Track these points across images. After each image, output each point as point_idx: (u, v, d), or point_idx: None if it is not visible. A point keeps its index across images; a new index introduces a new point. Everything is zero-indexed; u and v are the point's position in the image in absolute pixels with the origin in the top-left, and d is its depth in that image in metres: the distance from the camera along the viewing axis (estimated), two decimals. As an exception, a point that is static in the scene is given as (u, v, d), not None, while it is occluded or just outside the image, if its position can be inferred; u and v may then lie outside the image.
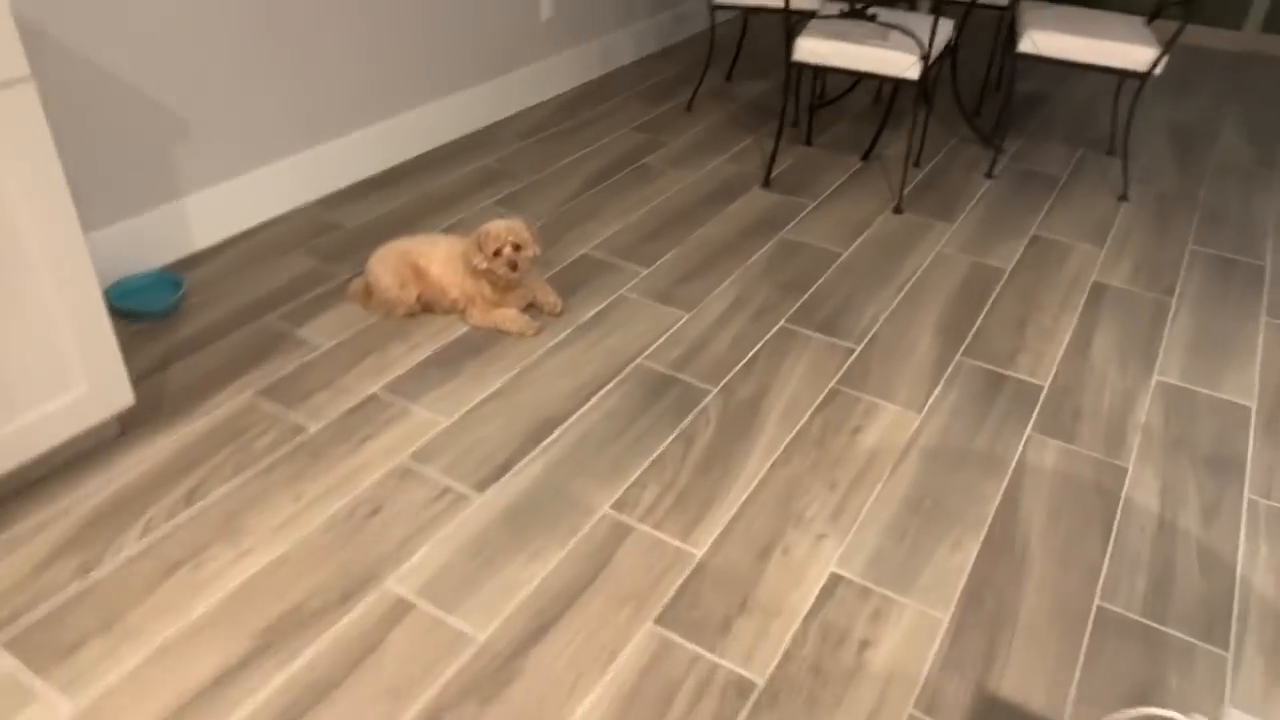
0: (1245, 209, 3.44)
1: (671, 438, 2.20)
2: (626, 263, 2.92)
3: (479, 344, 2.52)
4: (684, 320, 2.65)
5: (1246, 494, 2.12)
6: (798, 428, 2.25)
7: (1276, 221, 3.37)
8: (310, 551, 1.86)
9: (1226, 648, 1.74)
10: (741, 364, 2.47)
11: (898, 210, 3.31)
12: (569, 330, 2.59)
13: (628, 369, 2.43)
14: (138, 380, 2.32)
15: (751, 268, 2.92)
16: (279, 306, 2.63)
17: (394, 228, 3.07)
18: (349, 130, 3.28)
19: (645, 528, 1.95)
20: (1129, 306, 2.81)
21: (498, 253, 2.46)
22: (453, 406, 2.27)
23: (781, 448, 2.18)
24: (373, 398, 2.29)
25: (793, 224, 3.19)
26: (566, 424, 2.23)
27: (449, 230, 3.07)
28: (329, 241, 2.98)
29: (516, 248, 2.47)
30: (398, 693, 1.60)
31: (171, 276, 2.66)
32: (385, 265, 2.58)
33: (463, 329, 2.58)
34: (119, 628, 1.69)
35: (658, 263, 2.93)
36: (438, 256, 2.58)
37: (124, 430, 2.15)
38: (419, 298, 2.60)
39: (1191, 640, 1.76)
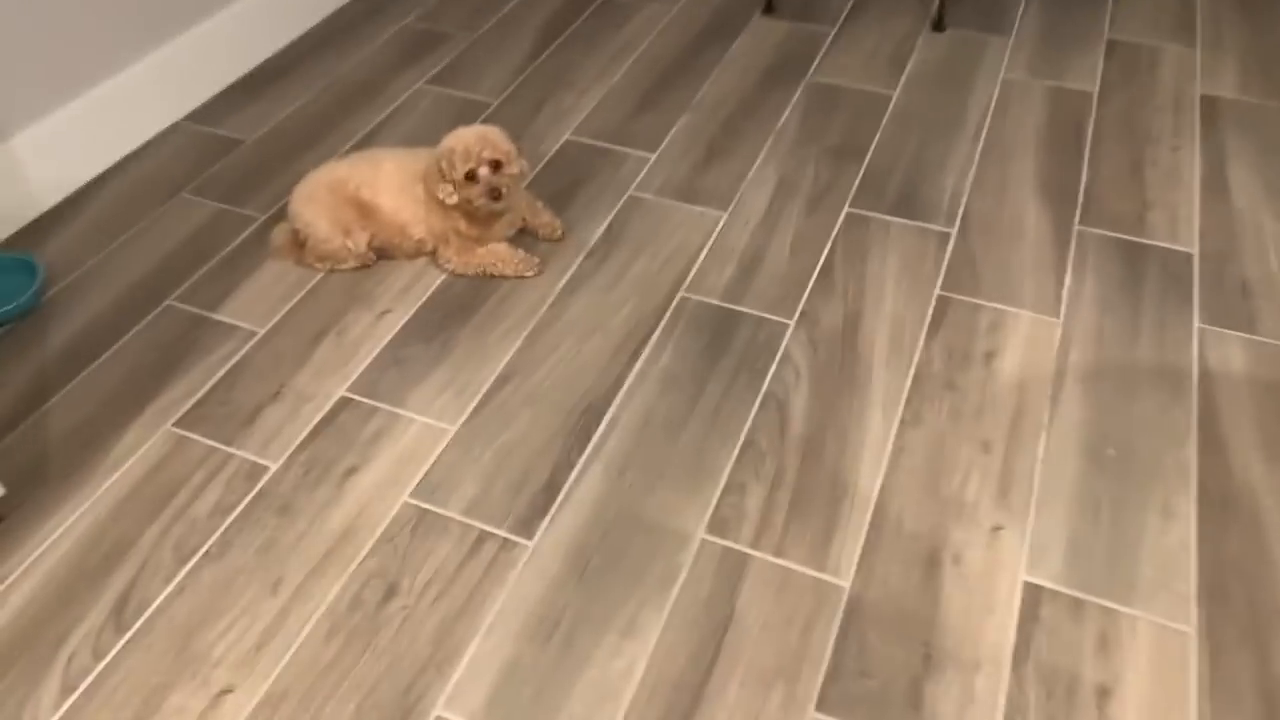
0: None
1: (756, 406, 1.65)
2: (625, 147, 2.25)
3: (467, 298, 1.88)
4: (721, 222, 2.03)
5: None
6: (915, 365, 1.71)
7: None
8: (312, 682, 1.31)
9: None
10: (814, 278, 1.89)
11: (938, 27, 2.64)
12: (579, 259, 1.96)
13: (671, 308, 1.84)
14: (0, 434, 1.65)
15: (784, 132, 2.28)
16: (180, 282, 1.93)
17: (307, 135, 2.32)
18: (213, 7, 2.43)
19: (763, 554, 1.43)
20: (1253, 124, 2.26)
21: (471, 177, 1.78)
22: (455, 403, 1.67)
23: (904, 399, 1.65)
24: (344, 404, 1.67)
25: (817, 62, 2.52)
26: (614, 408, 1.66)
27: (383, 135, 2.34)
28: (224, 171, 2.23)
29: (495, 166, 1.79)
30: None
31: (18, 257, 1.93)
32: (317, 206, 1.88)
33: (439, 277, 1.92)
34: None
35: (664, 142, 2.27)
36: (386, 184, 1.88)
37: (1, 517, 1.52)
38: (370, 242, 1.92)
39: None
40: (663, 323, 1.81)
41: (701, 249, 1.97)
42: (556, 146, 2.27)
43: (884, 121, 2.30)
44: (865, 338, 1.76)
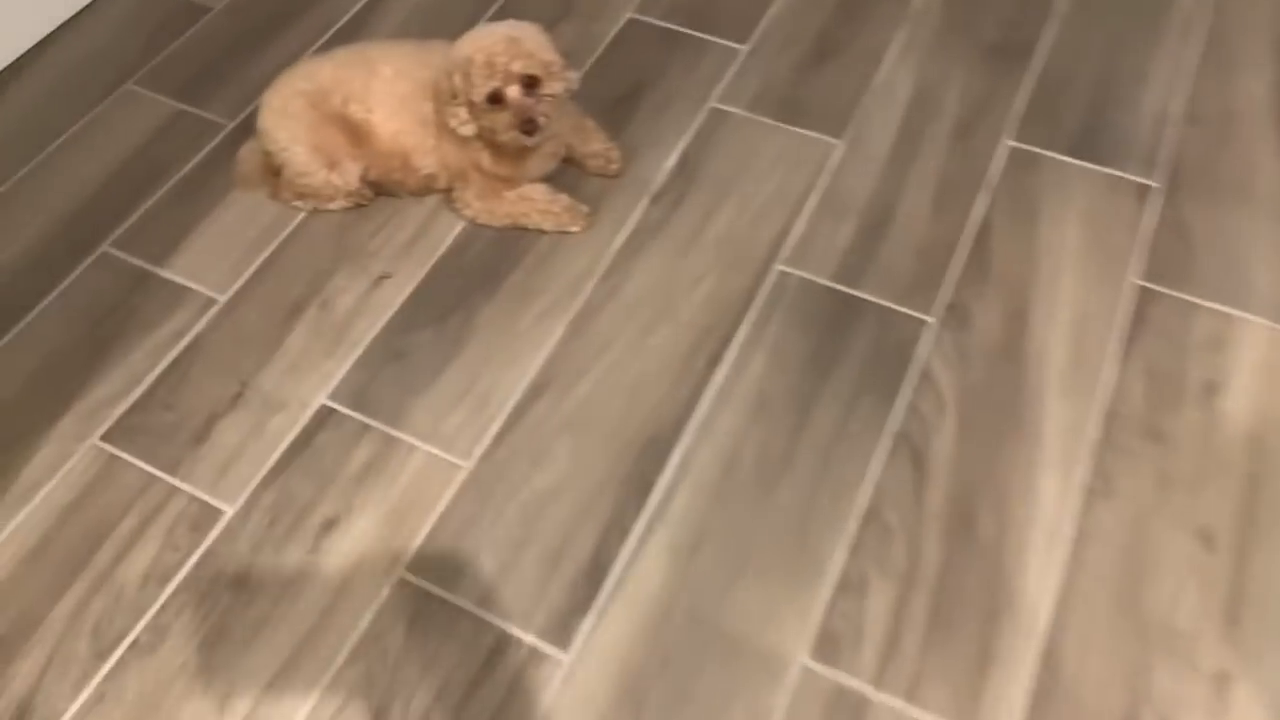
0: None
1: (883, 454, 1.19)
2: (705, 33, 1.68)
3: (491, 258, 1.40)
4: (836, 156, 1.50)
5: None
6: (1104, 397, 1.23)
7: None
8: None
9: None
10: (963, 249, 1.38)
11: None
12: (641, 206, 1.46)
13: (764, 288, 1.35)
14: (-112, 429, 1.27)
15: (922, 19, 1.69)
16: (119, 218, 1.47)
17: (292, 2, 1.78)
18: None
19: (889, 698, 1.02)
20: None
21: (496, 99, 1.27)
22: (472, 424, 1.24)
23: (1088, 453, 1.19)
24: (325, 417, 1.25)
25: (967, -88, 1.87)
26: (684, 443, 1.21)
27: (385, 7, 1.78)
28: (184, 51, 1.71)
29: (530, 84, 1.27)
30: None
31: (-87, 179, 1.48)
32: (293, 124, 1.38)
33: (456, 225, 1.45)
34: None
35: (759, 27, 1.69)
36: (384, 97, 1.37)
37: (-128, 570, 1.15)
38: (365, 175, 1.44)
39: None
40: (753, 311, 1.33)
41: (807, 195, 1.45)
42: (614, 29, 1.71)
43: (1059, 6, 1.70)
44: (1034, 350, 1.28)
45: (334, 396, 1.27)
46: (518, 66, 1.24)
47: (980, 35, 1.65)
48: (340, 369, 1.30)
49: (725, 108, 1.57)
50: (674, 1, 1.74)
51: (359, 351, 1.31)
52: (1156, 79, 1.57)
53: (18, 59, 1.71)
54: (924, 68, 1.61)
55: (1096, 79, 1.58)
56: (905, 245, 1.39)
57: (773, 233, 1.41)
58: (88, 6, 1.78)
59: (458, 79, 1.27)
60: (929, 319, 1.31)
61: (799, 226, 1.42)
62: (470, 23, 1.70)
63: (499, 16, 1.73)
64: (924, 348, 1.29)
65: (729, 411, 1.24)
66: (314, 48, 1.70)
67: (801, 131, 1.53)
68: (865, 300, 1.33)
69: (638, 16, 1.72)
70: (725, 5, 1.73)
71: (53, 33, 1.74)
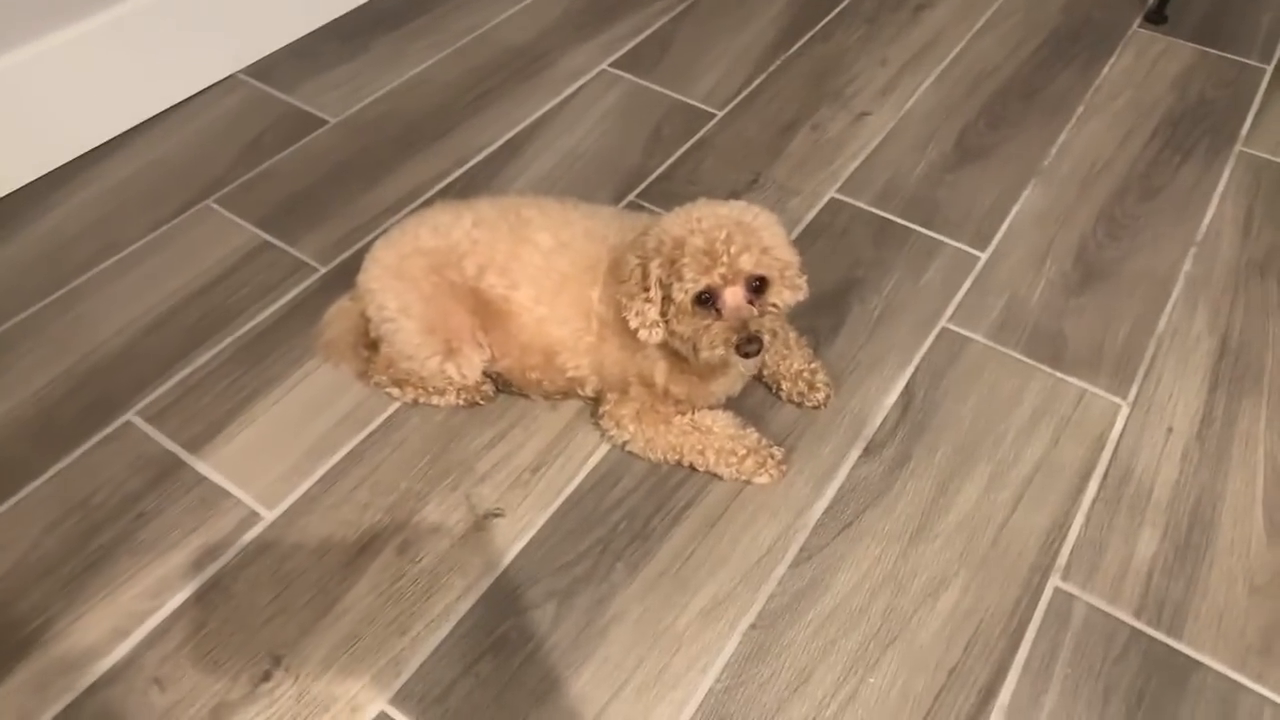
0: None
1: None
2: (932, 231, 1.32)
3: (641, 510, 1.00)
4: (1121, 419, 1.10)
5: None
6: None
7: None
8: None
9: None
10: (1328, 597, 0.95)
11: None
12: (851, 459, 1.05)
13: (1037, 613, 0.93)
14: None
15: (1211, 243, 1.30)
16: (153, 381, 1.11)
17: (425, 126, 1.47)
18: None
19: None
20: None
21: (710, 299, 0.90)
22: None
23: None
24: (378, 736, 0.84)
25: (1250, 119, 1.51)
26: None
27: (537, 145, 1.46)
28: (284, 170, 1.40)
29: (758, 286, 0.90)
30: None
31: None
32: (407, 292, 1.02)
33: (598, 450, 1.06)
34: None
35: (1002, 229, 1.32)
36: (538, 272, 1.01)
37: None
38: (489, 368, 1.07)
39: None
40: (1021, 654, 0.90)
41: (1088, 476, 1.04)
42: (813, 211, 1.36)
43: (1399, 254, 1.31)
44: None
45: (400, 700, 0.85)
46: (746, 262, 0.88)
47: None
48: (413, 657, 0.88)
49: (961, 330, 1.19)
50: (888, 182, 1.39)
51: (445, 629, 0.91)
52: None
53: (89, 152, 1.41)
54: (1226, 311, 1.22)
55: None
56: (1238, 575, 0.96)
57: (1041, 526, 1.00)
58: (182, 103, 1.50)
59: (657, 266, 0.90)
60: (1292, 707, 0.87)
61: (1076, 522, 1.00)
62: (630, 183, 1.39)
63: (669, 180, 1.39)
64: (1292, 758, 0.84)
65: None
66: (438, 188, 1.37)
67: (1067, 379, 1.14)
68: (1196, 662, 0.90)
69: (842, 198, 1.37)
70: (953, 197, 1.37)
71: (136, 126, 1.45)
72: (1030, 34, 1.67)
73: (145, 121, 1.46)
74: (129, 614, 0.92)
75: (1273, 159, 1.43)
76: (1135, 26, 1.69)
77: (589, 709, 0.86)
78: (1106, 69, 1.60)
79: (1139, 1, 1.74)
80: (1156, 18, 1.70)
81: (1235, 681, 0.89)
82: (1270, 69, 1.60)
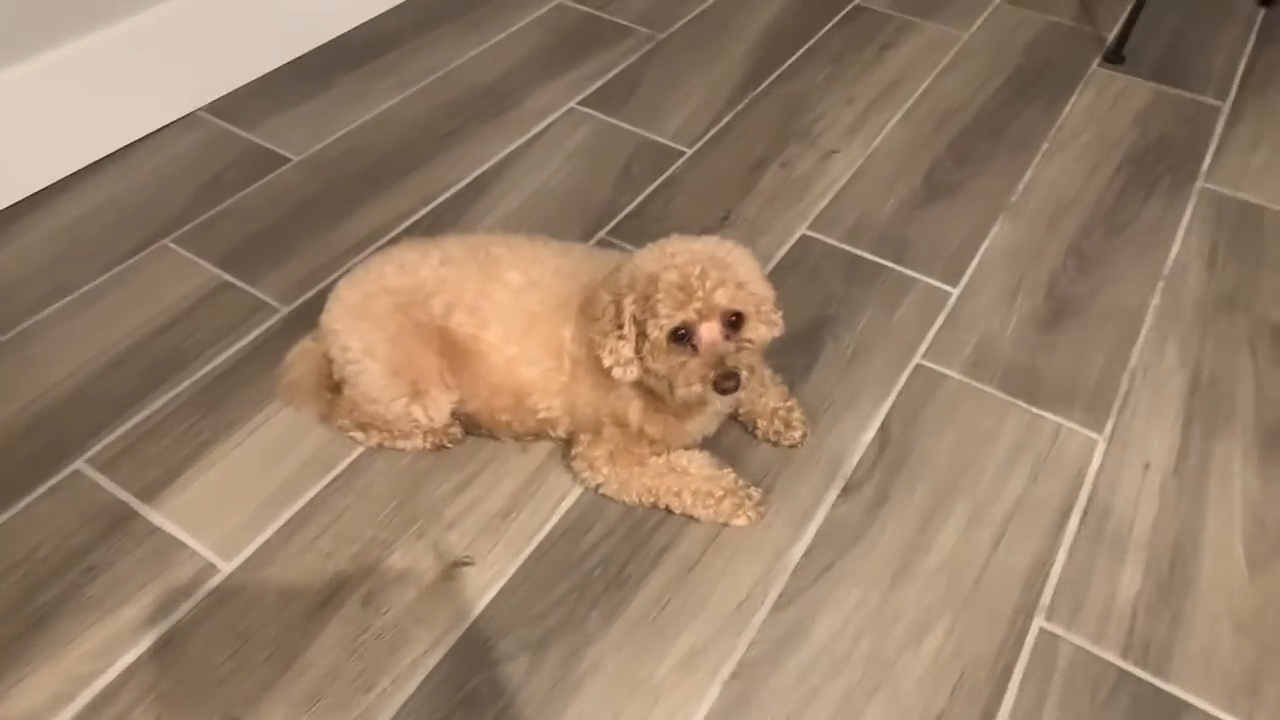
0: None
1: None
2: (903, 266, 1.31)
3: (615, 556, 0.96)
4: (1097, 456, 1.09)
5: None
6: None
7: None
8: None
9: None
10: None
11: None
12: (828, 500, 1.03)
13: (1023, 656, 0.91)
14: None
15: (1178, 279, 1.31)
16: (105, 426, 1.06)
17: (390, 165, 1.44)
18: (289, -61, 1.58)
19: None
20: None
21: (685, 336, 0.88)
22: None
23: None
24: (340, 802, 0.80)
25: (1210, 155, 1.54)
26: None
27: (501, 188, 1.45)
28: (244, 208, 1.36)
29: (733, 322, 0.89)
30: None
31: None
32: (372, 332, 0.99)
33: (569, 494, 1.02)
34: None
35: (972, 265, 1.32)
36: (508, 311, 0.98)
37: None
38: (457, 410, 1.04)
39: None
40: (1008, 700, 0.88)
41: (1068, 513, 1.03)
42: (784, 247, 1.35)
43: (1361, 287, 1.33)
44: None
45: (365, 763, 0.82)
46: (722, 297, 0.86)
47: (1264, 312, 1.27)
48: (377, 715, 0.84)
49: (935, 367, 1.18)
50: (859, 219, 1.39)
51: (410, 686, 0.87)
52: None
53: (42, 189, 1.36)
54: (1195, 345, 1.22)
55: None
56: (1222, 613, 0.95)
57: (1023, 566, 0.98)
58: (140, 140, 1.46)
59: (631, 303, 0.88)
60: (1279, 751, 0.85)
61: (1058, 560, 0.99)
62: (600, 221, 1.37)
63: (639, 218, 1.38)
64: (1284, 802, 0.82)
65: None
66: (404, 226, 1.35)
67: (1043, 415, 1.13)
68: (1185, 703, 0.88)
69: (813, 234, 1.37)
70: (923, 233, 1.37)
71: (92, 164, 1.41)
72: (994, 73, 1.69)
73: (101, 159, 1.43)
74: (74, 677, 0.87)
75: (1233, 194, 1.45)
76: (1095, 66, 1.73)
77: (565, 767, 0.82)
78: (1069, 107, 1.62)
79: (1097, 42, 1.78)
80: (1115, 57, 1.73)
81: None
82: (1226, 107, 1.64)
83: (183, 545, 0.96)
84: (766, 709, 0.87)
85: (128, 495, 1.00)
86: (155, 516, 0.99)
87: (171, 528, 0.98)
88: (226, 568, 0.95)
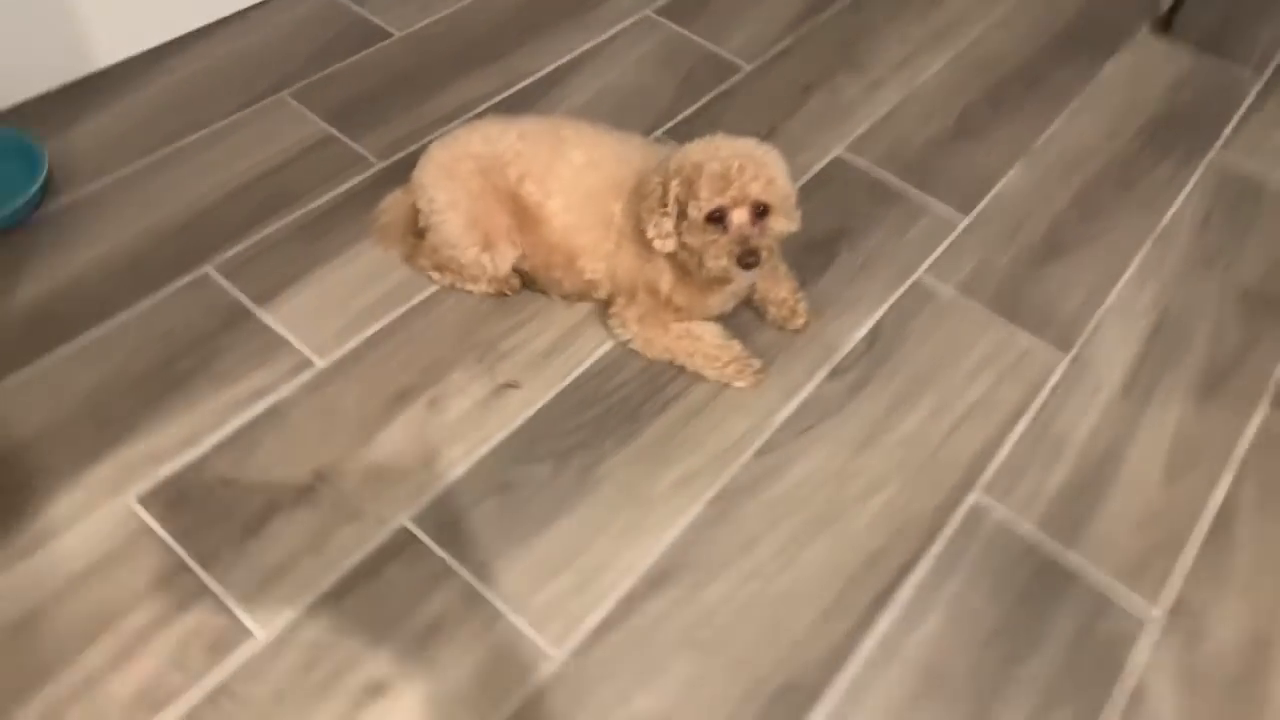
0: None
1: (1080, 785, 0.93)
2: (922, 192, 1.47)
3: (635, 396, 1.18)
4: (1057, 373, 1.26)
5: None
6: (1374, 788, 0.95)
7: None
8: None
9: None
10: (1198, 535, 1.12)
11: None
12: (818, 377, 1.23)
13: (954, 520, 1.11)
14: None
15: (1171, 236, 1.45)
16: (229, 241, 1.29)
17: (478, 48, 1.62)
18: None
19: None
20: None
21: (716, 217, 1.07)
22: (570, 606, 0.99)
23: None
24: (403, 544, 1.02)
25: (1231, 128, 1.64)
26: (826, 704, 0.95)
27: (576, 80, 1.62)
28: (351, 74, 1.56)
29: (760, 212, 1.07)
30: None
31: (19, 140, 1.32)
32: (455, 188, 1.19)
33: (602, 344, 1.23)
34: None
35: (984, 200, 1.48)
36: (566, 183, 1.18)
37: None
38: (518, 265, 1.24)
39: None
40: (936, 545, 1.08)
41: (1019, 415, 1.21)
42: (819, 164, 1.51)
43: (1338, 265, 1.46)
44: (1283, 695, 1.01)
45: (419, 520, 1.04)
46: (755, 189, 1.04)
47: (1239, 271, 1.42)
48: (434, 486, 1.07)
49: (933, 283, 1.35)
50: (889, 147, 1.55)
51: (460, 470, 1.09)
52: None
53: (179, 38, 1.57)
54: (1169, 294, 1.37)
55: (1374, 361, 1.33)
56: (1128, 510, 1.14)
57: (971, 451, 1.17)
58: (255, 4, 1.65)
59: (676, 185, 1.06)
60: (1151, 614, 1.05)
61: (1003, 451, 1.18)
62: (658, 121, 1.54)
63: (693, 123, 1.55)
64: (1140, 654, 1.02)
65: (889, 678, 0.98)
66: (488, 104, 1.53)
67: (1019, 332, 1.30)
68: (1074, 572, 1.08)
69: (847, 157, 1.53)
70: (947, 166, 1.52)
71: (222, 19, 1.61)
72: (1043, 29, 1.80)
73: (232, 15, 1.62)
74: (201, 428, 1.10)
75: (1240, 170, 1.58)
76: (1143, 31, 1.83)
77: (574, 544, 1.05)
78: (1107, 68, 1.74)
79: (1152, 9, 1.87)
80: (1164, 26, 1.83)
81: (1107, 595, 1.06)
82: (1260, 82, 1.74)
83: (286, 342, 1.19)
84: (738, 526, 1.08)
85: (245, 299, 1.23)
86: (266, 317, 1.21)
87: (279, 328, 1.20)
88: (320, 364, 1.17)
